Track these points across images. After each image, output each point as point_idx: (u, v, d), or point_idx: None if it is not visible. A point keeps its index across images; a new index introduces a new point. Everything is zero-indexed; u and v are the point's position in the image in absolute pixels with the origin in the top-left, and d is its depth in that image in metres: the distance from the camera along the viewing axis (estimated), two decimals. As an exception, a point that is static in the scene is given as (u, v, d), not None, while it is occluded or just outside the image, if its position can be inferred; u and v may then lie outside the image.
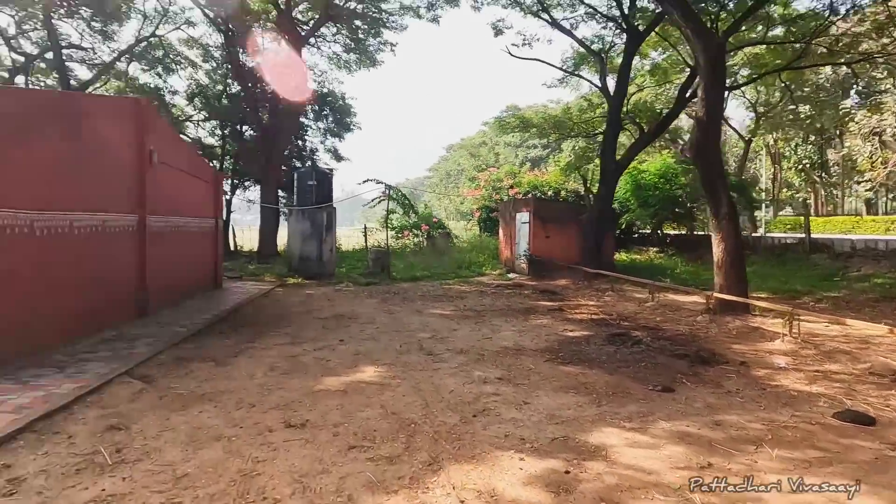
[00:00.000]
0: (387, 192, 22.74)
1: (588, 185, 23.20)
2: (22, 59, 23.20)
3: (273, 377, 6.77)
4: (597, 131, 21.72)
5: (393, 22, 25.40)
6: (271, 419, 5.32)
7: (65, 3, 21.39)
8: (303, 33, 24.57)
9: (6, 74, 23.11)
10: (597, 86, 20.46)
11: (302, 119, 27.16)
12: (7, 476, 4.12)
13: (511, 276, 19.97)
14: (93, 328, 8.48)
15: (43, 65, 25.20)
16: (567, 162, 28.80)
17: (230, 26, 24.08)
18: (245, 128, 27.17)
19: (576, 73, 21.78)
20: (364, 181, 25.89)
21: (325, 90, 28.51)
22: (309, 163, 27.28)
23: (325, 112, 28.61)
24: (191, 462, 4.41)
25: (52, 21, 21.65)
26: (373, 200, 26.94)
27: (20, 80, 23.11)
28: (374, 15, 24.95)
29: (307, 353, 8.07)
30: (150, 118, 10.34)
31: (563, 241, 19.68)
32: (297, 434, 5.00)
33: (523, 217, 20.44)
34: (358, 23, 25.57)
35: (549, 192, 28.28)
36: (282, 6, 23.10)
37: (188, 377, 6.67)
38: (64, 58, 23.20)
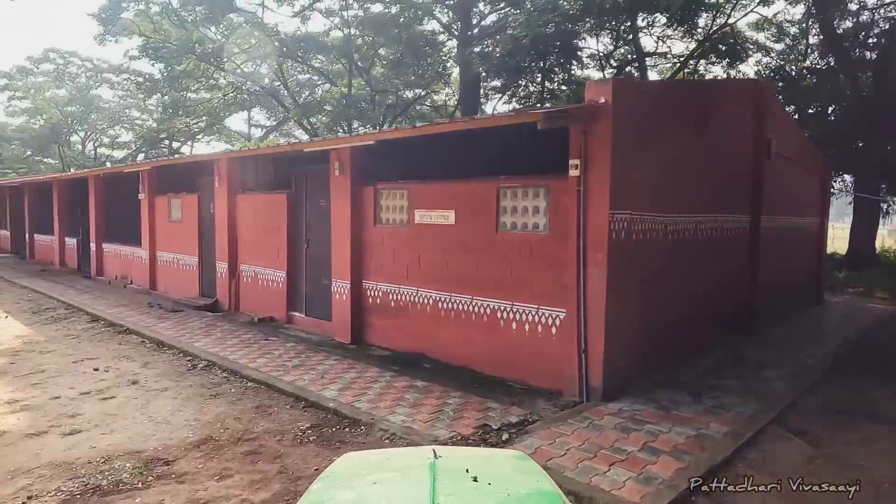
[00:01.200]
0: None
1: None
2: (610, 74, 25.92)
3: None
4: None
5: None
6: None
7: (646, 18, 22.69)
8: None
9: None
10: None
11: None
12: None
13: None
14: (706, 344, 7.56)
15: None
16: None
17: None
18: (831, 108, 22.75)
19: None
20: None
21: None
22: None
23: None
24: None
25: (639, 36, 23.17)
26: None
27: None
28: None
29: None
30: (768, 102, 8.79)
31: None
32: None
33: None
34: None
35: None
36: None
37: (869, 448, 4.70)
38: (646, 66, 24.68)
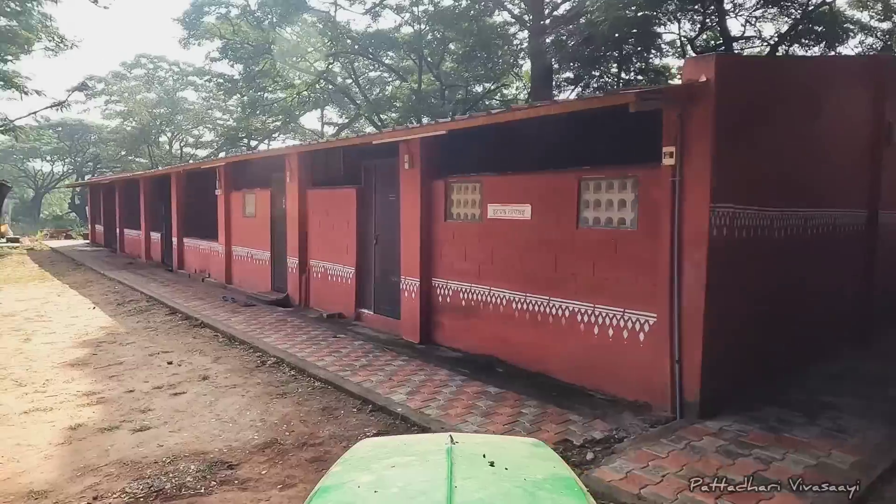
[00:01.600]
0: None
1: None
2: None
3: None
4: None
5: None
6: None
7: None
8: None
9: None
10: None
11: None
12: None
13: None
14: (815, 356, 6.70)
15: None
16: None
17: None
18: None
19: None
20: None
21: None
22: None
23: None
24: None
25: (726, 18, 21.71)
26: None
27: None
28: None
29: None
30: (889, 82, 7.74)
31: None
32: None
33: None
34: None
35: None
36: None
37: None
38: (733, 52, 23.08)
